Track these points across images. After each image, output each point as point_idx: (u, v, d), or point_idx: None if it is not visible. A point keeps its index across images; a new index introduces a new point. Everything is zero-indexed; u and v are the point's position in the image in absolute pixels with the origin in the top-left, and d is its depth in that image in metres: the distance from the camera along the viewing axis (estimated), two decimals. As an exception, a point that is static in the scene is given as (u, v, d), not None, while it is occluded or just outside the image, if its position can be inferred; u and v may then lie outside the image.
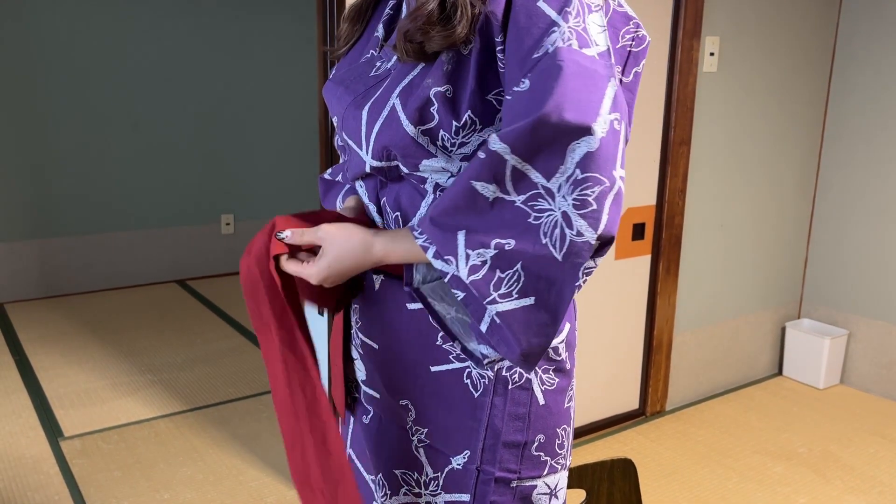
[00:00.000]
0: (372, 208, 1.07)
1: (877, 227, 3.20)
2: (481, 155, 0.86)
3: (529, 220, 0.86)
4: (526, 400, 1.01)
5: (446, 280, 0.90)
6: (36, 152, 4.09)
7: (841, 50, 3.25)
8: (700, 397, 3.19)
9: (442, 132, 0.93)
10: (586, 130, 0.83)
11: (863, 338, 3.29)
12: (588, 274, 0.88)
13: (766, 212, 3.22)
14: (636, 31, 0.98)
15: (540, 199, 0.85)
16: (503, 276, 0.87)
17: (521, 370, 1.00)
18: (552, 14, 0.87)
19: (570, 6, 0.87)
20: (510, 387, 1.00)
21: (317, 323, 1.87)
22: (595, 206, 0.84)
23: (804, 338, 3.33)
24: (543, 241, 0.85)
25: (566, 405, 1.06)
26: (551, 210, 0.85)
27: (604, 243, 0.87)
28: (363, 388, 1.13)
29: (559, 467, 1.06)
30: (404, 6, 1.07)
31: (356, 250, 0.96)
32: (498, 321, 0.88)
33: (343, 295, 1.10)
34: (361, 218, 1.06)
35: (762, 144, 3.11)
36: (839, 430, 2.95)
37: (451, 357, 1.01)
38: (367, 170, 1.02)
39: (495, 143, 0.85)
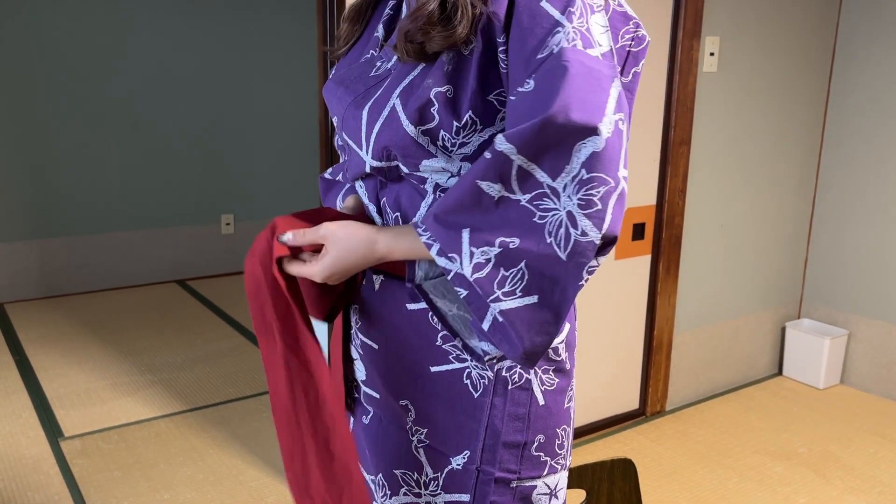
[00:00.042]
0: (372, 208, 1.07)
1: (877, 227, 3.20)
2: (487, 155, 0.87)
3: (534, 219, 0.86)
4: (526, 400, 1.01)
5: (449, 278, 0.90)
6: (36, 152, 4.09)
7: (841, 50, 3.25)
8: (700, 397, 3.19)
9: (442, 132, 0.93)
10: (592, 131, 0.83)
11: (863, 338, 3.29)
12: (591, 273, 0.89)
13: (766, 212, 3.22)
14: (636, 31, 0.98)
15: (545, 199, 0.86)
16: (507, 274, 0.87)
17: (522, 368, 1.00)
18: (556, 14, 0.87)
19: (573, 6, 0.87)
20: (510, 387, 1.00)
21: (318, 325, 1.87)
22: (600, 206, 0.84)
23: (804, 338, 3.33)
24: (548, 241, 0.85)
25: (566, 405, 1.06)
26: (556, 209, 0.85)
27: (607, 243, 0.87)
28: (363, 388, 1.13)
29: (559, 467, 1.06)
30: (404, 6, 1.07)
31: (359, 247, 0.96)
32: (501, 319, 0.88)
33: (340, 298, 1.09)
34: (361, 217, 1.06)
35: (762, 144, 3.11)
36: (839, 430, 2.95)
37: (450, 357, 1.01)
38: (367, 170, 1.02)
39: (501, 144, 0.85)
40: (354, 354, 1.13)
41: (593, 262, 0.88)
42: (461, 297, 0.90)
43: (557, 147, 0.84)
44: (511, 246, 0.87)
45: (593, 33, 0.88)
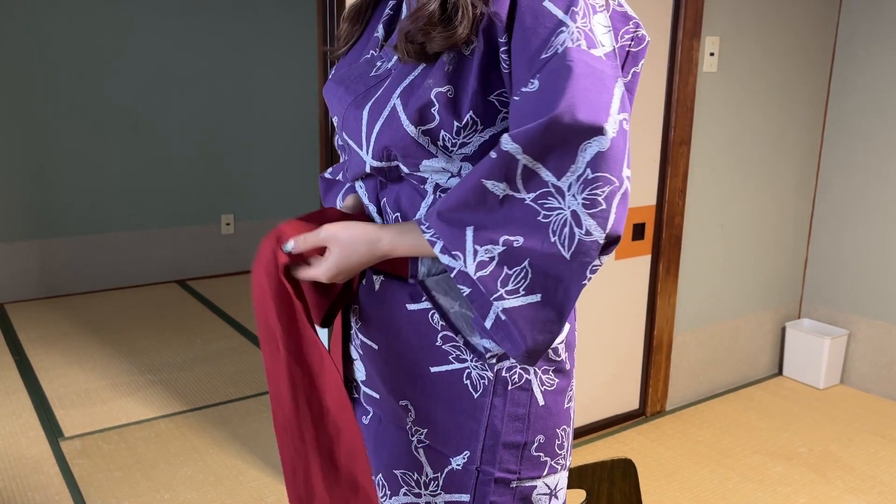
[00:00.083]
0: (372, 209, 1.07)
1: (877, 227, 3.20)
2: (493, 154, 0.87)
3: (539, 218, 0.86)
4: (526, 400, 1.01)
5: (452, 276, 0.90)
6: (36, 153, 4.09)
7: (841, 50, 3.25)
8: (700, 397, 3.19)
9: (443, 132, 0.93)
10: (598, 130, 0.83)
11: (863, 338, 3.29)
12: (594, 272, 0.89)
13: (766, 212, 3.22)
14: (636, 31, 0.98)
15: (550, 198, 0.86)
16: (510, 272, 0.87)
17: (521, 368, 1.00)
18: (559, 14, 0.87)
19: (576, 6, 0.87)
20: (510, 387, 1.00)
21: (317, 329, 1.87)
22: (604, 206, 0.85)
23: (804, 338, 3.33)
24: (552, 240, 0.86)
25: (566, 406, 1.06)
26: (561, 209, 0.85)
27: (610, 242, 0.87)
28: (363, 388, 1.13)
29: (559, 468, 1.06)
30: (404, 6, 1.07)
31: (361, 246, 0.96)
32: (504, 318, 0.88)
33: (336, 302, 1.09)
34: (361, 216, 1.06)
35: (762, 144, 3.11)
36: (839, 430, 2.95)
37: (450, 358, 1.01)
38: (368, 170, 1.02)
39: (507, 144, 0.86)
40: (354, 355, 1.13)
41: (597, 262, 0.88)
42: (464, 294, 0.91)
43: (563, 147, 0.84)
44: (515, 244, 0.87)
45: (596, 33, 0.88)
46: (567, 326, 1.05)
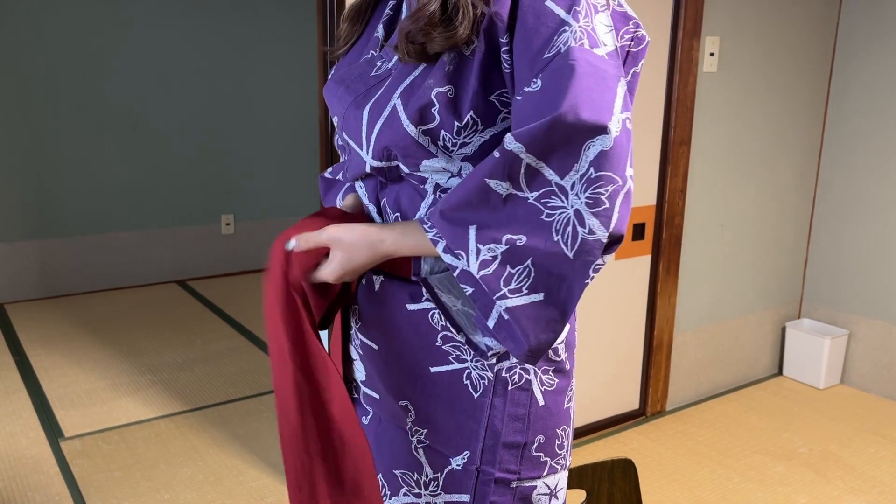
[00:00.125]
0: (372, 209, 1.07)
1: (877, 226, 3.20)
2: (496, 154, 0.87)
3: (542, 216, 0.86)
4: (525, 401, 1.01)
5: (455, 275, 0.90)
6: (36, 153, 4.09)
7: (841, 50, 3.25)
8: (700, 397, 3.19)
9: (443, 132, 0.93)
10: (602, 129, 0.83)
11: (863, 338, 3.29)
12: (597, 271, 0.89)
13: (766, 212, 3.22)
14: (635, 32, 0.98)
15: (553, 197, 0.86)
16: (513, 271, 0.87)
17: (521, 368, 1.00)
18: (561, 13, 0.87)
19: (578, 5, 0.88)
20: (510, 388, 1.00)
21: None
22: (607, 205, 0.85)
23: (804, 338, 3.33)
24: (555, 239, 0.86)
25: (566, 406, 1.06)
26: (564, 208, 0.85)
27: (613, 241, 0.87)
28: (362, 388, 1.13)
29: (559, 468, 1.06)
30: (404, 6, 1.07)
31: (364, 249, 0.96)
32: (506, 317, 0.88)
33: (334, 304, 1.09)
34: (361, 215, 1.06)
35: (762, 144, 3.11)
36: (839, 430, 2.95)
37: (450, 358, 1.01)
38: (368, 170, 1.02)
39: (510, 143, 0.86)
40: (354, 355, 1.13)
41: (600, 261, 0.88)
42: (467, 293, 0.91)
43: (566, 146, 0.84)
44: (518, 243, 0.87)
45: (598, 32, 0.89)
46: (567, 326, 1.05)
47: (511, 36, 0.90)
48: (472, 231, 0.89)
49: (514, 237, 0.87)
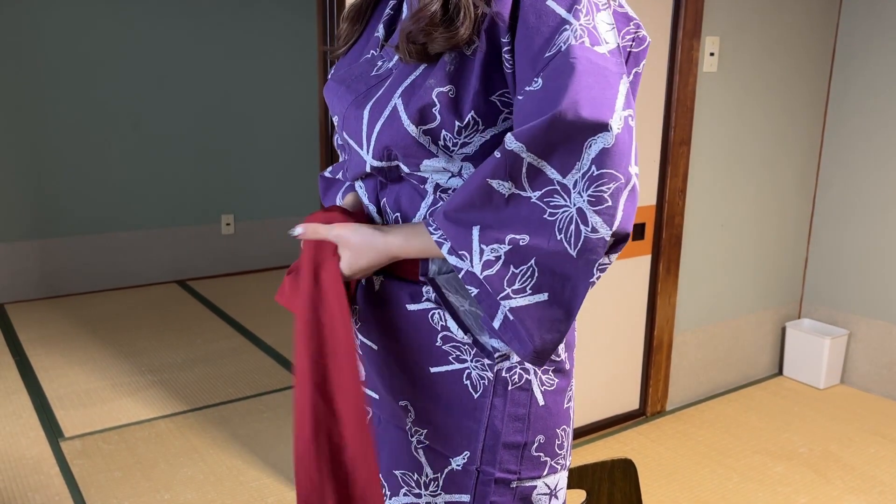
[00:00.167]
0: (372, 209, 1.07)
1: (877, 226, 3.20)
2: (497, 154, 0.87)
3: (545, 216, 0.86)
4: (525, 401, 1.01)
5: (460, 276, 0.90)
6: (36, 152, 4.09)
7: (841, 50, 3.25)
8: (700, 397, 3.19)
9: (444, 132, 0.93)
10: (603, 127, 0.83)
11: (863, 338, 3.29)
12: (602, 271, 0.89)
13: (767, 211, 3.22)
14: (636, 32, 0.98)
15: (555, 196, 0.86)
16: (517, 271, 0.87)
17: (521, 368, 1.00)
18: (562, 12, 0.87)
19: (580, 4, 0.87)
20: (510, 388, 1.00)
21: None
22: (610, 203, 0.84)
23: (804, 338, 3.33)
24: (558, 238, 0.85)
25: (566, 406, 1.06)
26: (566, 206, 0.85)
27: (619, 240, 0.87)
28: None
29: (559, 468, 1.06)
30: (405, 6, 1.07)
31: (370, 252, 0.97)
32: (511, 317, 0.88)
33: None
34: (361, 215, 1.06)
35: (762, 144, 3.11)
36: (839, 430, 2.95)
37: (450, 358, 1.01)
38: (368, 170, 1.02)
39: (511, 143, 0.86)
40: (354, 355, 1.13)
41: (604, 260, 0.88)
42: (472, 295, 0.91)
43: (567, 144, 0.84)
44: (521, 243, 0.87)
45: (600, 30, 0.88)
46: (569, 326, 1.05)
47: (512, 36, 0.90)
48: (476, 232, 0.88)
49: (517, 237, 0.87)
